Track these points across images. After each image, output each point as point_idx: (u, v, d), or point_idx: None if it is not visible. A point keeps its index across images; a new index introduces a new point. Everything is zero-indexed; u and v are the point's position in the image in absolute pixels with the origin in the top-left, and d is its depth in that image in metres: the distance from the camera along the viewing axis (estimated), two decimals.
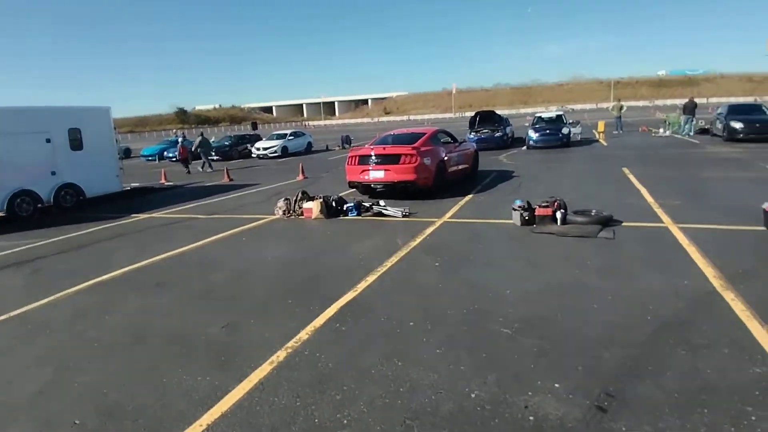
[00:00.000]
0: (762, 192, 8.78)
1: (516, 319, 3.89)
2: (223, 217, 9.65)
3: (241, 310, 4.55)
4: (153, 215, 10.48)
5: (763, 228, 6.18)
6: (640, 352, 3.27)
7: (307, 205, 8.80)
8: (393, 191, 10.09)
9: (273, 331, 4.01)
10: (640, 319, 3.79)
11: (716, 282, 4.49)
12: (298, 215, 8.91)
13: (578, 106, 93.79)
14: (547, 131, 19.92)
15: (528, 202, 7.24)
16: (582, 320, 3.84)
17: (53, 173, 11.78)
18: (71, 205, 12.14)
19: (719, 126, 19.77)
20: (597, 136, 23.98)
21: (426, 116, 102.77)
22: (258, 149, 25.47)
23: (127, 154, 35.92)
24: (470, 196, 10.12)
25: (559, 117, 21.72)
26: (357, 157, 10.17)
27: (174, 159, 28.34)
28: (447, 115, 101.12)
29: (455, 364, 3.23)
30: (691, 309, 3.94)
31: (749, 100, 57.48)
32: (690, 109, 22.57)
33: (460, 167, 11.74)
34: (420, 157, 9.62)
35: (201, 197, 12.72)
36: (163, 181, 17.59)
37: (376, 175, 9.81)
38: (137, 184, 16.71)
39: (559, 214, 6.93)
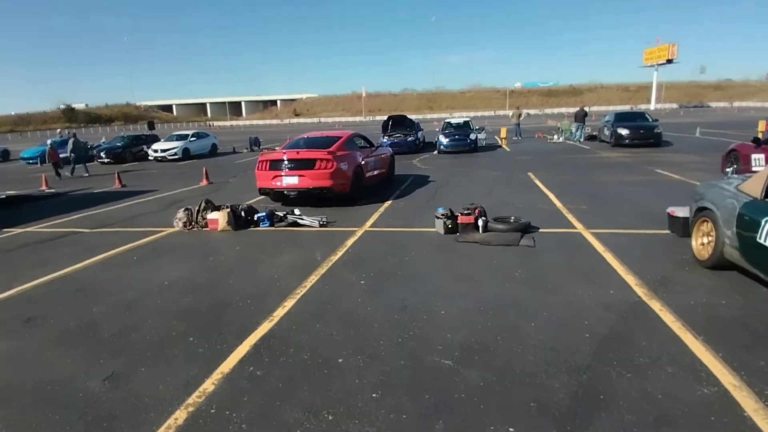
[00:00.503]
0: (653, 194, 9.51)
1: (455, 346, 3.54)
2: (113, 231, 8.37)
3: (130, 354, 3.71)
4: (28, 230, 8.82)
5: (667, 231, 6.53)
6: (588, 378, 3.06)
7: (211, 215, 7.88)
8: (308, 198, 9.48)
9: (170, 381, 3.26)
10: (578, 338, 3.62)
11: (640, 291, 4.52)
12: (202, 227, 7.96)
13: (479, 113, 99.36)
14: (456, 136, 20.41)
15: (450, 210, 7.04)
16: (522, 343, 3.58)
17: None
18: None
19: (607, 132, 21.61)
20: (500, 141, 25.11)
21: (336, 119, 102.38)
22: (155, 151, 23.26)
23: (4, 156, 31.19)
24: (389, 202, 9.81)
25: (466, 123, 22.40)
26: (268, 162, 9.40)
27: (39, 163, 24.76)
28: (357, 119, 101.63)
29: (396, 411, 2.77)
30: (624, 323, 3.87)
31: (626, 108, 64.74)
32: (580, 117, 24.46)
33: (377, 172, 11.42)
34: (336, 162, 9.11)
35: (88, 206, 11.07)
36: (44, 187, 15.24)
37: (290, 181, 9.13)
38: (13, 192, 14.26)
39: (480, 222, 6.81)
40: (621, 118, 21.65)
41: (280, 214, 7.92)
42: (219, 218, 7.68)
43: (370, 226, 7.67)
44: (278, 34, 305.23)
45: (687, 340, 3.50)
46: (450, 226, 6.84)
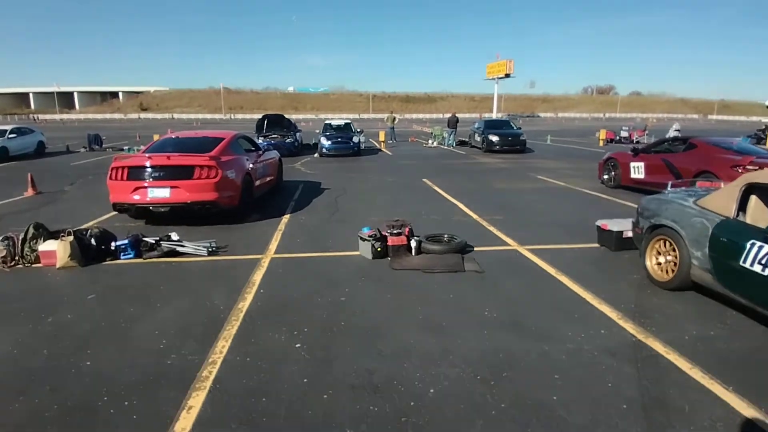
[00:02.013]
0: (554, 203, 9.58)
1: None
2: None
3: None
4: None
5: (596, 245, 6.27)
6: None
7: (45, 246, 5.61)
8: (182, 215, 7.52)
9: None
10: (619, 412, 2.78)
11: (628, 327, 3.92)
12: (30, 263, 5.64)
13: (344, 116, 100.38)
14: (339, 139, 19.40)
15: (378, 230, 5.91)
16: (536, 424, 2.62)
17: None
18: None
19: (478, 139, 22.55)
20: (378, 145, 24.73)
21: (193, 116, 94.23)
22: None
23: None
24: (287, 216, 8.31)
25: (347, 125, 21.49)
26: (126, 170, 7.22)
27: None
28: (217, 116, 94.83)
29: None
30: (647, 379, 3.15)
31: (474, 116, 70.61)
32: (453, 123, 25.26)
33: (267, 179, 9.79)
34: (221, 170, 7.35)
35: None
36: None
37: (159, 194, 7.10)
38: None
39: (413, 243, 5.81)
40: (490, 126, 22.80)
41: (150, 240, 5.95)
42: (58, 249, 5.46)
43: (275, 252, 6.15)
44: (120, 16, 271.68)
45: (721, 393, 2.92)
46: (380, 249, 5.71)
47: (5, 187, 12.07)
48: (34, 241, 5.72)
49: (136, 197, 7.10)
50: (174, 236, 6.11)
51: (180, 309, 4.36)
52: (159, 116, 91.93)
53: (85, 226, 7.69)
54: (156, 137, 24.72)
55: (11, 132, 19.99)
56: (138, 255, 5.84)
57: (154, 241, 5.91)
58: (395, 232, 5.82)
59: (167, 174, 7.13)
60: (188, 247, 5.97)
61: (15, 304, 4.52)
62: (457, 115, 26.19)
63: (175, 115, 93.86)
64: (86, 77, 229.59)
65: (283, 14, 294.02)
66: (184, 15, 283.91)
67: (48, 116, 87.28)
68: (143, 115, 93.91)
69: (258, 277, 5.17)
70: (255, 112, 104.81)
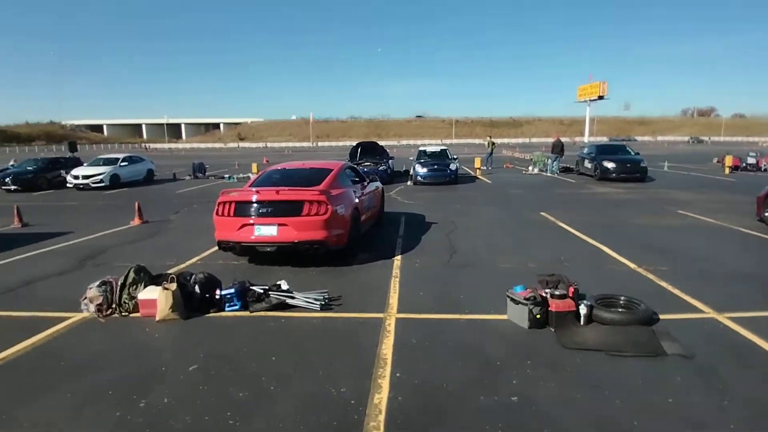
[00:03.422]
0: (721, 247, 7.64)
1: None
2: None
3: None
4: None
5: None
6: None
7: (145, 293, 4.95)
8: (289, 255, 6.73)
9: None
10: None
11: None
12: (128, 313, 5.01)
13: (427, 141, 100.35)
14: (435, 166, 18.37)
15: (535, 290, 4.58)
16: None
17: None
18: None
19: (588, 165, 20.35)
20: (474, 172, 23.33)
21: (284, 144, 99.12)
22: (76, 177, 19.38)
23: None
24: (399, 258, 7.24)
25: (443, 152, 20.44)
26: (233, 205, 6.59)
27: None
28: (305, 144, 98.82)
29: None
30: None
31: (564, 140, 66.57)
32: (558, 148, 23.24)
33: (371, 212, 8.86)
34: (332, 205, 6.47)
35: None
36: None
37: (265, 232, 6.35)
38: None
39: (583, 308, 4.41)
40: (604, 151, 20.56)
41: (258, 290, 5.10)
42: (159, 299, 4.76)
43: (399, 310, 5.04)
44: (221, 54, 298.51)
45: None
46: (539, 316, 4.37)
47: (115, 215, 12.33)
48: (134, 287, 5.10)
49: (242, 235, 6.41)
50: (283, 285, 5.21)
51: (300, 398, 3.32)
52: (254, 145, 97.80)
53: (188, 263, 7.22)
54: (254, 166, 25.59)
55: (123, 160, 21.33)
56: (244, 306, 5.01)
57: (262, 291, 5.05)
58: (557, 293, 4.46)
59: (275, 210, 6.38)
60: (299, 299, 5.04)
61: (104, 373, 3.76)
62: (561, 139, 24.18)
63: (268, 144, 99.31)
64: (192, 110, 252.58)
65: (367, 46, 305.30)
66: (278, 51, 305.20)
67: (158, 145, 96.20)
68: (241, 144, 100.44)
69: (387, 349, 4.05)
70: (340, 139, 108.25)
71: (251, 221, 6.41)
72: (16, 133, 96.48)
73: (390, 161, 19.85)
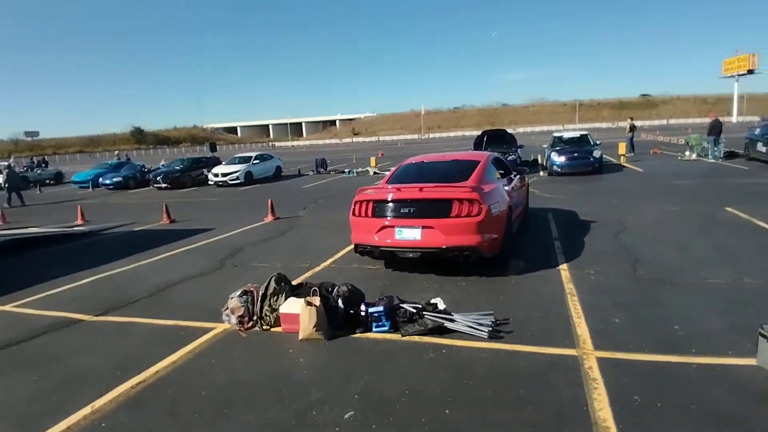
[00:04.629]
0: None
1: None
2: (123, 323, 5.09)
3: None
4: (4, 308, 5.79)
5: None
6: None
7: (287, 306, 4.39)
8: (434, 261, 5.84)
9: None
10: None
11: None
12: (269, 326, 4.50)
13: (545, 128, 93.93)
14: (575, 154, 16.27)
15: None
16: None
17: None
18: None
19: (763, 149, 16.60)
20: (619, 159, 20.48)
21: (395, 137, 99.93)
22: (216, 175, 20.79)
23: (58, 179, 30.40)
24: (565, 266, 5.96)
25: (584, 137, 18.11)
26: (371, 204, 5.86)
27: (90, 187, 23.41)
28: (415, 136, 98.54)
29: None
30: None
31: (707, 120, 56.63)
32: (716, 129, 19.48)
33: (519, 210, 7.65)
34: (485, 204, 5.42)
35: (114, 257, 8.06)
36: (79, 221, 12.74)
37: (408, 235, 5.52)
38: (36, 229, 11.75)
39: None
40: None
41: (410, 308, 4.25)
42: (302, 315, 4.15)
43: (594, 345, 3.84)
44: (338, 54, 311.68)
45: None
46: None
47: (250, 211, 12.62)
48: (275, 298, 4.58)
49: (381, 239, 5.66)
50: (440, 304, 4.31)
51: None
52: (367, 139, 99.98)
53: (322, 266, 6.72)
54: (372, 160, 25.46)
55: (255, 158, 22.44)
56: (394, 326, 4.21)
57: (414, 311, 4.20)
58: None
59: (418, 210, 5.52)
60: (460, 323, 4.09)
61: (250, 413, 3.16)
62: (720, 119, 20.29)
63: (380, 138, 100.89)
64: (312, 109, 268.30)
65: (479, 32, 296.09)
66: (390, 42, 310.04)
67: (282, 143, 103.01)
68: (355, 139, 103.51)
69: (604, 411, 2.90)
70: (451, 130, 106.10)
71: (391, 223, 5.62)
72: (166, 137, 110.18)
73: (519, 150, 18.16)
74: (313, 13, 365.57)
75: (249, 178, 20.90)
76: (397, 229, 5.56)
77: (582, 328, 4.14)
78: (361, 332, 4.22)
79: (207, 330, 4.60)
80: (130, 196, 19.98)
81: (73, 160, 67.49)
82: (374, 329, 4.21)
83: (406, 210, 5.56)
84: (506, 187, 6.62)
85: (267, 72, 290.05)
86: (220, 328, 4.63)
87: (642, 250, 6.50)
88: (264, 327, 4.50)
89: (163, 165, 25.32)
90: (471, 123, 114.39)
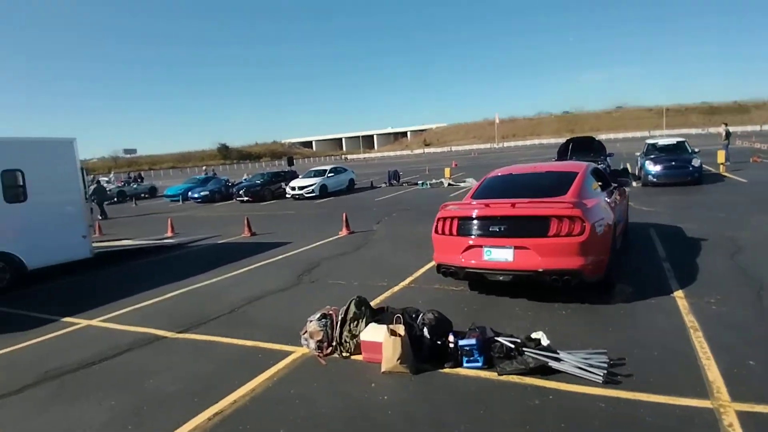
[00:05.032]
0: None
1: None
2: (204, 341, 5.02)
3: None
4: (92, 323, 6.00)
5: None
6: None
7: (369, 334, 4.05)
8: (524, 283, 5.25)
9: None
10: None
11: None
12: (348, 353, 4.18)
13: (630, 134, 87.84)
14: (673, 163, 14.75)
15: None
16: None
17: None
18: (3, 285, 7.96)
19: None
20: (718, 168, 18.33)
21: (468, 147, 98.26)
22: (293, 188, 21.32)
23: (152, 192, 32.86)
24: (680, 294, 5.13)
25: (681, 144, 16.42)
26: (455, 221, 5.40)
27: (180, 201, 25.01)
28: (489, 145, 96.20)
29: None
30: None
31: None
32: None
33: (621, 226, 6.82)
34: (589, 222, 4.77)
35: (196, 271, 8.25)
36: (169, 233, 13.45)
37: (498, 256, 4.99)
38: (128, 241, 12.55)
39: None
40: None
41: (507, 342, 3.74)
42: (384, 345, 3.79)
43: (731, 395, 3.12)
44: (407, 66, 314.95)
45: None
46: None
47: (326, 224, 12.63)
48: (355, 323, 4.26)
49: (468, 259, 5.18)
50: (543, 340, 3.75)
51: None
52: (439, 150, 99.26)
53: (401, 285, 6.35)
54: (447, 171, 24.92)
55: (330, 171, 22.77)
56: (488, 362, 3.72)
57: (512, 346, 3.68)
58: None
59: (510, 228, 4.99)
60: (568, 363, 3.52)
61: None
62: None
63: (453, 148, 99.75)
64: (383, 121, 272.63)
65: (555, 36, 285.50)
66: (460, 50, 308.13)
67: (354, 156, 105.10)
68: (426, 150, 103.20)
69: None
70: (527, 138, 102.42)
71: (479, 242, 5.13)
72: (249, 152, 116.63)
73: (608, 159, 16.79)
74: (383, 23, 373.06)
75: (324, 191, 21.19)
76: (485, 249, 5.06)
77: (713, 373, 3.41)
78: (450, 367, 3.77)
79: (286, 354, 4.37)
80: (215, 209, 20.99)
81: (166, 175, 73.15)
82: (465, 364, 3.74)
83: (496, 228, 5.05)
84: (608, 201, 5.88)
85: (340, 86, 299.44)
86: (298, 352, 4.39)
87: (765, 274, 5.47)
88: (343, 354, 4.19)
89: (245, 179, 26.47)
90: (549, 131, 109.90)
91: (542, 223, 4.84)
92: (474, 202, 5.55)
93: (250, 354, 4.49)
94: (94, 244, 9.88)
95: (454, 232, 5.36)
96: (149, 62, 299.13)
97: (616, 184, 7.00)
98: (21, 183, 8.37)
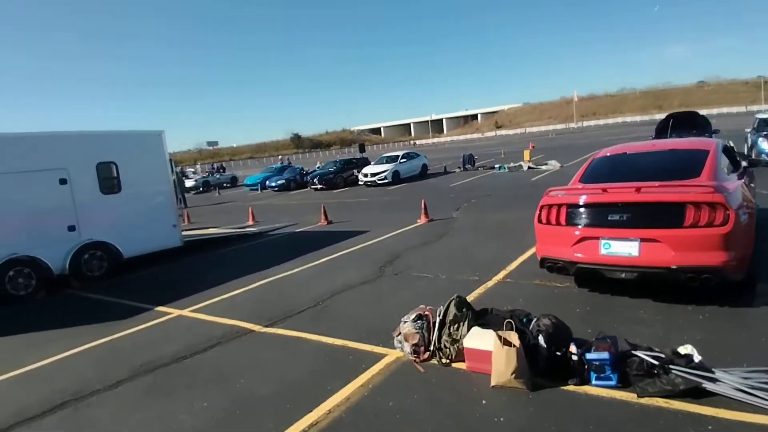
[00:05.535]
0: None
1: None
2: (291, 338, 4.80)
3: None
4: (184, 313, 6.04)
5: None
6: None
7: (473, 341, 3.57)
8: (649, 283, 4.50)
9: None
10: None
11: None
12: (449, 360, 3.73)
13: (725, 110, 79.18)
14: None
15: None
16: None
17: (71, 228, 8.07)
18: (101, 273, 8.38)
19: None
20: None
21: (542, 128, 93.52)
22: (365, 175, 21.21)
23: (233, 182, 34.37)
24: None
25: None
26: (564, 209, 4.73)
27: (259, 189, 25.80)
28: (568, 125, 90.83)
29: None
30: None
31: None
32: None
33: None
34: (732, 209, 3.93)
35: (279, 260, 8.20)
36: (250, 222, 13.77)
37: (620, 249, 4.28)
38: (215, 230, 12.96)
39: None
40: None
41: (647, 358, 3.09)
42: (495, 355, 3.29)
43: None
44: (476, 46, 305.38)
45: None
46: None
47: (402, 211, 12.27)
48: (456, 326, 3.80)
49: (581, 253, 4.51)
50: (695, 356, 3.06)
51: None
52: (512, 132, 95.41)
53: (495, 280, 5.75)
54: (526, 153, 23.61)
55: (402, 157, 22.34)
56: (622, 379, 3.11)
57: (656, 362, 3.03)
58: None
59: (635, 217, 4.25)
60: (726, 384, 2.83)
61: None
62: None
63: (527, 129, 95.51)
64: (453, 104, 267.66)
65: (639, 5, 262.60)
66: (532, 27, 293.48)
67: (422, 141, 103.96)
68: (498, 132, 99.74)
69: None
70: (609, 116, 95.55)
71: (595, 233, 4.44)
72: (319, 141, 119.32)
73: (714, 136, 14.87)
74: (449, 2, 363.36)
75: (396, 178, 20.85)
76: (603, 242, 4.37)
77: None
78: (574, 384, 3.20)
79: (378, 357, 4.01)
80: (291, 197, 21.39)
81: (245, 165, 76.60)
82: (594, 382, 3.16)
83: (617, 217, 4.33)
84: (746, 185, 4.92)
85: (411, 67, 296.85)
86: (392, 355, 4.01)
87: None
88: (443, 360, 3.75)
89: (318, 167, 26.80)
90: (634, 107, 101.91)
91: (676, 211, 4.06)
92: (587, 187, 4.84)
93: (340, 355, 4.18)
94: (184, 233, 10.21)
95: (563, 221, 4.70)
96: (225, 58, 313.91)
97: (746, 164, 5.91)
98: (115, 175, 8.73)
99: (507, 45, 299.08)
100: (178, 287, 7.25)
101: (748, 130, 15.60)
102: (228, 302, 6.27)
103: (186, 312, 6.04)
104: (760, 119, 15.22)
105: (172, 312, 6.12)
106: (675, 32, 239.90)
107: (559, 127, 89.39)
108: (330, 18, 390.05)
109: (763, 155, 12.94)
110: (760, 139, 13.29)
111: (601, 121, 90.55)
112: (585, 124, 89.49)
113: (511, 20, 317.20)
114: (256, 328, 5.14)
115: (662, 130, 15.30)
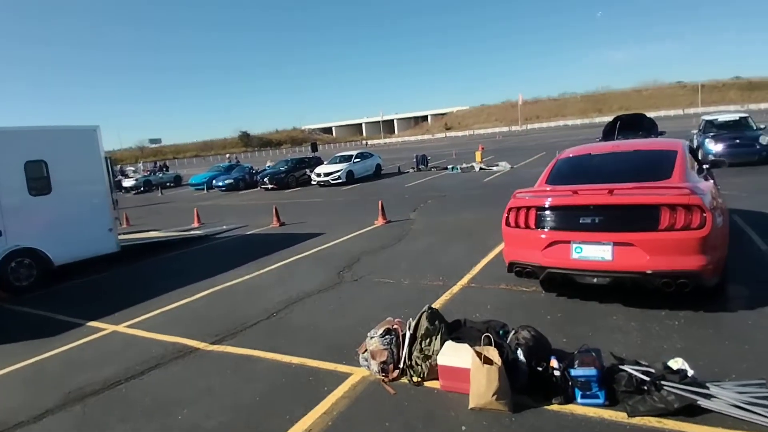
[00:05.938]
0: None
1: None
2: (242, 357, 4.30)
3: None
4: (119, 329, 5.36)
5: None
6: None
7: (448, 357, 3.24)
8: (622, 288, 4.37)
9: None
10: None
11: None
12: (420, 379, 3.39)
13: (663, 113, 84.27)
14: (737, 141, 13.42)
15: None
16: None
17: None
18: (30, 283, 7.47)
19: None
20: None
21: (490, 130, 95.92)
22: (319, 175, 20.63)
23: (177, 181, 32.66)
24: None
25: (743, 120, 14.98)
26: (533, 211, 4.51)
27: (205, 189, 24.68)
28: (511, 128, 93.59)
29: None
30: None
31: None
32: None
33: None
34: (709, 211, 3.83)
35: (226, 267, 7.58)
36: (195, 224, 12.90)
37: (592, 254, 4.10)
38: (156, 233, 12.03)
39: None
40: None
41: (636, 373, 2.87)
42: (474, 374, 2.97)
43: None
44: (425, 47, 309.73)
45: None
46: None
47: (359, 212, 11.88)
48: (428, 340, 3.46)
49: (551, 257, 4.30)
50: (689, 370, 2.86)
51: None
52: (460, 134, 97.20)
53: (459, 285, 5.47)
54: (477, 155, 23.80)
55: (356, 157, 21.95)
56: (610, 397, 2.88)
57: (646, 378, 2.82)
58: None
59: (608, 220, 4.08)
60: (721, 401, 2.65)
61: None
62: None
63: (475, 131, 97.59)
64: (403, 105, 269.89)
65: (581, 12, 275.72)
66: (476, 32, 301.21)
67: (374, 141, 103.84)
68: (447, 134, 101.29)
69: None
70: (552, 120, 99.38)
71: (565, 237, 4.25)
72: (269, 139, 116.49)
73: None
74: (398, 7, 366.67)
75: (350, 178, 20.43)
76: (574, 246, 4.18)
77: None
78: (558, 403, 2.94)
79: (342, 377, 3.61)
80: (240, 197, 20.46)
81: (190, 163, 73.40)
82: (580, 400, 2.91)
83: (589, 220, 4.15)
84: (714, 186, 4.91)
85: (359, 69, 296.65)
86: (357, 374, 3.62)
87: None
88: (414, 379, 3.40)
89: (268, 166, 25.89)
90: (574, 111, 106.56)
91: (650, 214, 3.92)
92: (555, 189, 4.64)
93: (299, 376, 3.74)
94: (121, 237, 9.34)
95: (532, 224, 4.49)
96: (169, 50, 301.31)
97: (707, 165, 5.98)
98: (45, 174, 7.82)
99: (454, 46, 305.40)
100: (113, 299, 6.51)
101: (695, 131, 16.36)
102: (169, 315, 5.64)
103: (121, 327, 5.37)
104: (707, 121, 16.00)
105: (105, 328, 5.43)
106: (615, 37, 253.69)
107: (504, 129, 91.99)
108: (272, 19, 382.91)
109: (710, 156, 13.55)
110: (707, 140, 13.90)
111: (544, 124, 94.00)
112: (529, 126, 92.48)
113: (460, 23, 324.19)
114: (201, 345, 4.59)
115: (610, 132, 15.73)
